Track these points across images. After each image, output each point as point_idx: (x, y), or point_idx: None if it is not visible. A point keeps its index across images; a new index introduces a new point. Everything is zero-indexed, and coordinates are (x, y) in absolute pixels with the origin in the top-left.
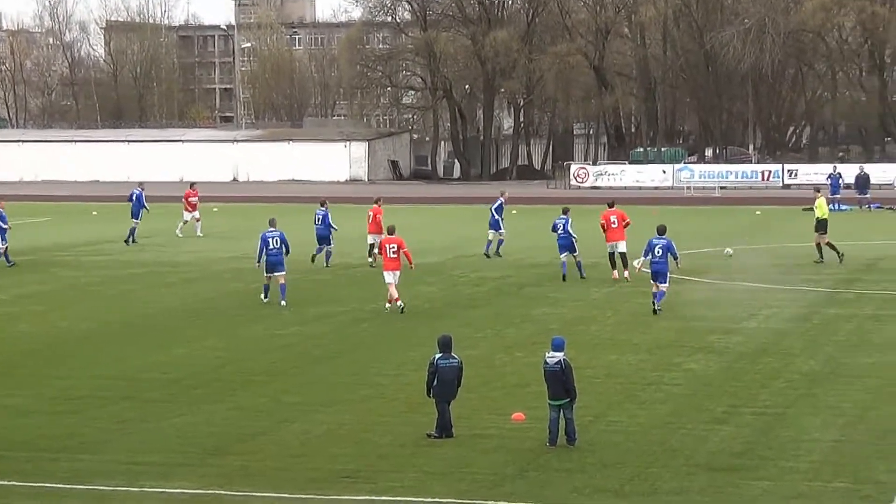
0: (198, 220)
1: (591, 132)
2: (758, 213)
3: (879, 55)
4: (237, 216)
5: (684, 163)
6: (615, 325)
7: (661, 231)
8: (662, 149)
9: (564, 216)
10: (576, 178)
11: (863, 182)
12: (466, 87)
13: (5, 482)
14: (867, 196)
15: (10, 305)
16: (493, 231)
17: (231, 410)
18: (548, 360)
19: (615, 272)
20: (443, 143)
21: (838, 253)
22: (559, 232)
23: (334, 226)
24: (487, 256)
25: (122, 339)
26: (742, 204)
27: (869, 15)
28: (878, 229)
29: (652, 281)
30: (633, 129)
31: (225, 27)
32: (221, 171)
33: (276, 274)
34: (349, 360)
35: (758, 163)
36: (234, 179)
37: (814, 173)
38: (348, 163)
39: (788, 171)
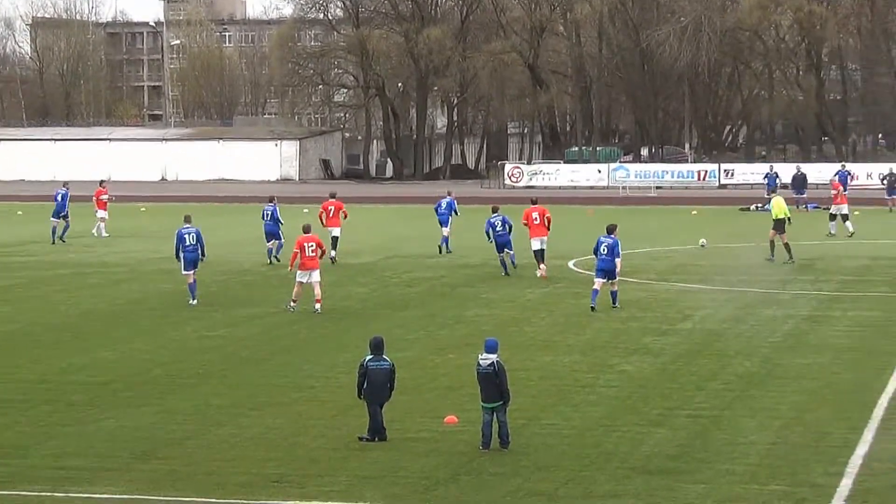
0: (103, 221)
1: (525, 131)
2: (694, 212)
3: (816, 54)
4: (166, 216)
5: (620, 162)
6: (549, 326)
7: (611, 230)
8: (598, 148)
9: (497, 214)
10: (510, 178)
11: (799, 182)
12: (399, 85)
13: None
14: (804, 196)
15: None
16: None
17: (159, 414)
18: (481, 361)
19: (541, 268)
20: (375, 142)
21: (790, 255)
22: (497, 230)
23: (282, 220)
24: (440, 252)
25: (46, 342)
26: (678, 204)
27: (806, 13)
28: (815, 230)
29: (596, 279)
30: (568, 129)
31: (154, 24)
32: (150, 170)
33: (191, 272)
34: (280, 363)
35: (694, 162)
36: (163, 179)
37: (750, 173)
38: (279, 162)
39: (725, 170)
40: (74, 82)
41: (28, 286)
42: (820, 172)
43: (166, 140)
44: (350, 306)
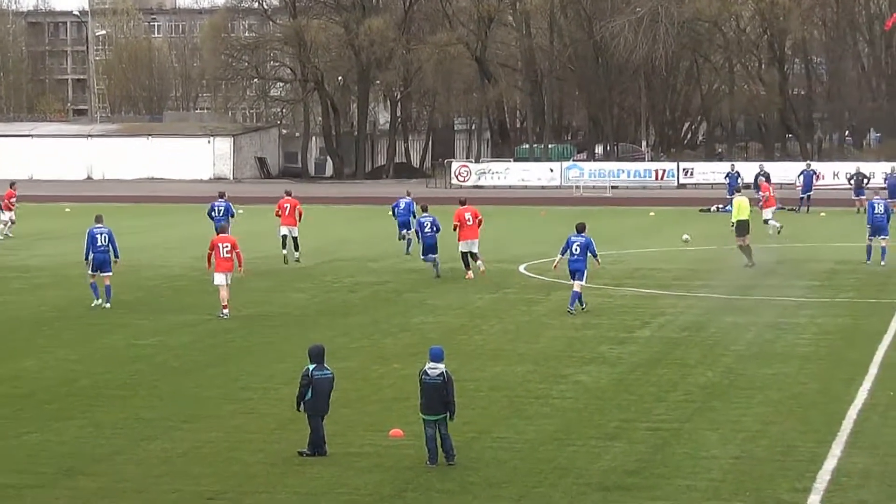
0: (12, 223)
1: (473, 128)
2: (651, 214)
3: (780, 46)
4: (91, 217)
5: (573, 160)
6: (500, 334)
7: (581, 229)
8: (550, 145)
9: (427, 215)
10: (457, 177)
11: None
12: (339, 78)
13: None
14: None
15: None
16: (406, 230)
17: (86, 427)
18: (429, 371)
19: (469, 272)
20: (314, 138)
21: (749, 259)
22: (425, 231)
23: (234, 214)
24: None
25: None
26: (635, 204)
27: (768, 4)
28: (780, 232)
29: (573, 280)
30: (518, 125)
31: (78, 13)
32: (74, 168)
33: (102, 273)
34: (214, 373)
35: (651, 161)
36: (89, 178)
37: (710, 172)
38: (212, 160)
39: (684, 169)
40: None
41: None
42: (785, 172)
43: (92, 136)
44: (289, 313)
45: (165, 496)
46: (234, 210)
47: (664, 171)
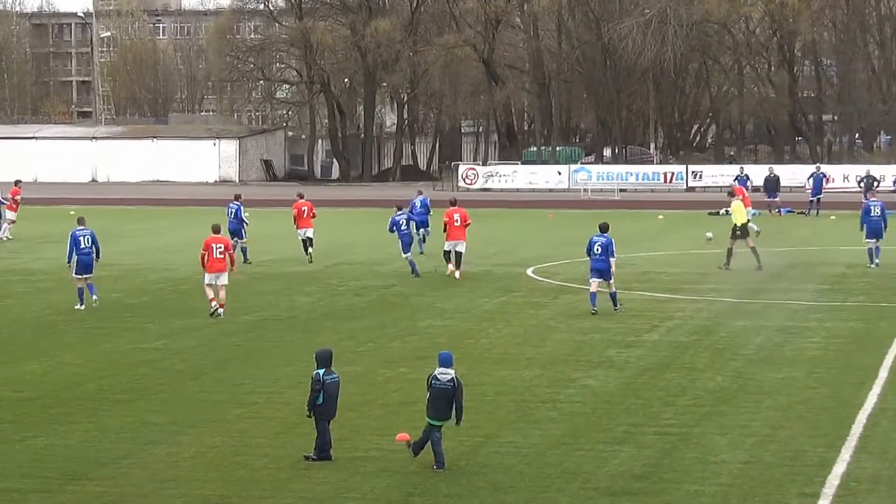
0: (12, 223)
1: (480, 130)
2: (660, 217)
3: (789, 48)
4: (96, 220)
5: (581, 163)
6: (507, 337)
7: (604, 229)
8: (557, 148)
9: (402, 212)
10: (464, 180)
11: (772, 185)
12: (345, 80)
13: None
14: (776, 200)
15: None
16: (423, 229)
17: (91, 432)
18: (439, 376)
19: (450, 266)
20: (320, 141)
21: (727, 263)
22: (402, 229)
23: (246, 220)
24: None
25: None
26: (644, 208)
27: (778, 5)
28: (789, 235)
29: (591, 280)
30: (525, 127)
31: (82, 15)
32: (79, 170)
33: (86, 276)
34: (219, 377)
35: (660, 163)
36: (93, 180)
37: (719, 175)
38: (217, 162)
39: (693, 172)
40: None
41: None
42: (795, 175)
43: (96, 139)
44: (295, 317)
45: (171, 501)
46: (242, 214)
47: (673, 173)
